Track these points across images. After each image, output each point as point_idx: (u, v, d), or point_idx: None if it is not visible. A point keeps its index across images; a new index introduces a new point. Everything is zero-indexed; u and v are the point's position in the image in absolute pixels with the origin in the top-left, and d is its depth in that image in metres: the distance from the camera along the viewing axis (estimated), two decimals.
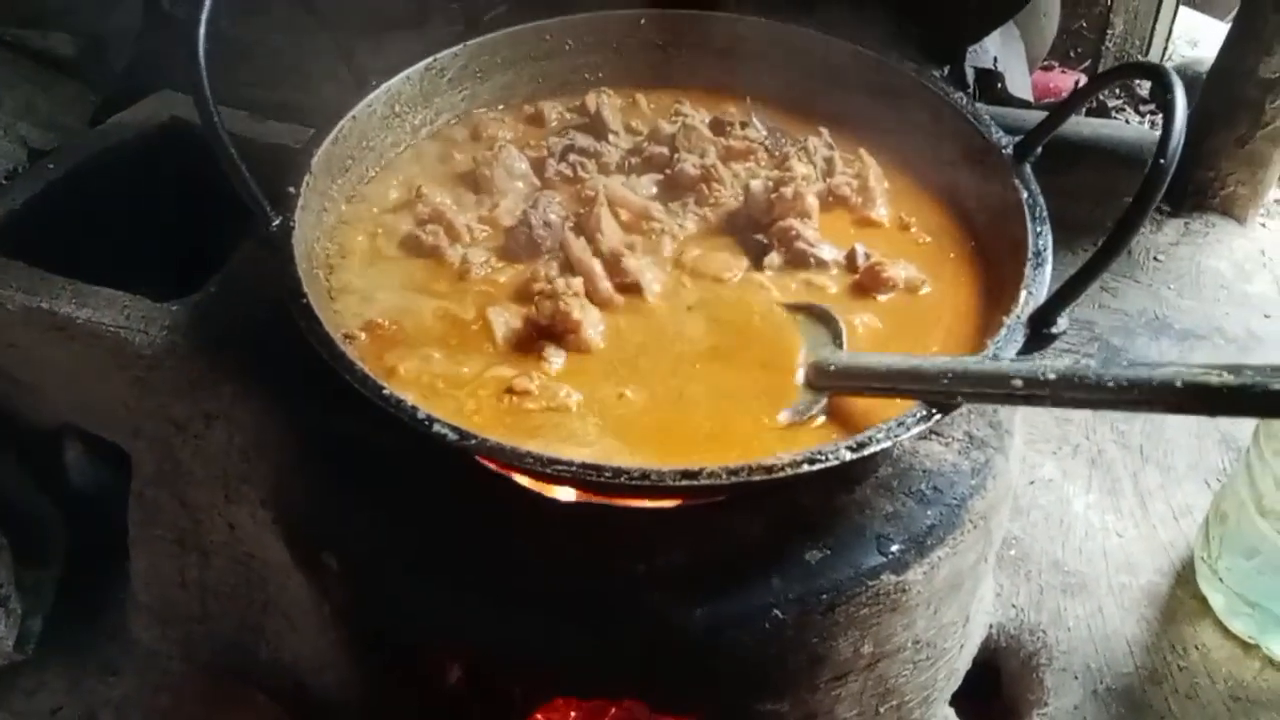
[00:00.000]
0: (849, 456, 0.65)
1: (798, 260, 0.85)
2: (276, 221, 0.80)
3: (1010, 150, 0.87)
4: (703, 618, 0.72)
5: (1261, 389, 0.53)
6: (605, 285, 0.81)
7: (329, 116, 0.91)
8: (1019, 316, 0.74)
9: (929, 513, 0.78)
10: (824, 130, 0.97)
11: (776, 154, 0.95)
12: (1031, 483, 1.13)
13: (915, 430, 0.66)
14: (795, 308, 0.82)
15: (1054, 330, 0.73)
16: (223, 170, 0.78)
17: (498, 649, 0.80)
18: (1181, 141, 0.68)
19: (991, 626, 1.02)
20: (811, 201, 0.87)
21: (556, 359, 0.77)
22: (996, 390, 0.65)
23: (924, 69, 0.96)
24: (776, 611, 0.72)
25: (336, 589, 0.85)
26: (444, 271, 0.85)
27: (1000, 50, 1.86)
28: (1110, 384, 0.58)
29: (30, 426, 1.04)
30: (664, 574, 0.74)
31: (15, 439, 1.04)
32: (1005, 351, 0.72)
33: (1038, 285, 0.76)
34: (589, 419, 0.73)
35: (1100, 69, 2.26)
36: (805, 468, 0.65)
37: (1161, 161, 0.68)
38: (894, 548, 0.76)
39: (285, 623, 0.96)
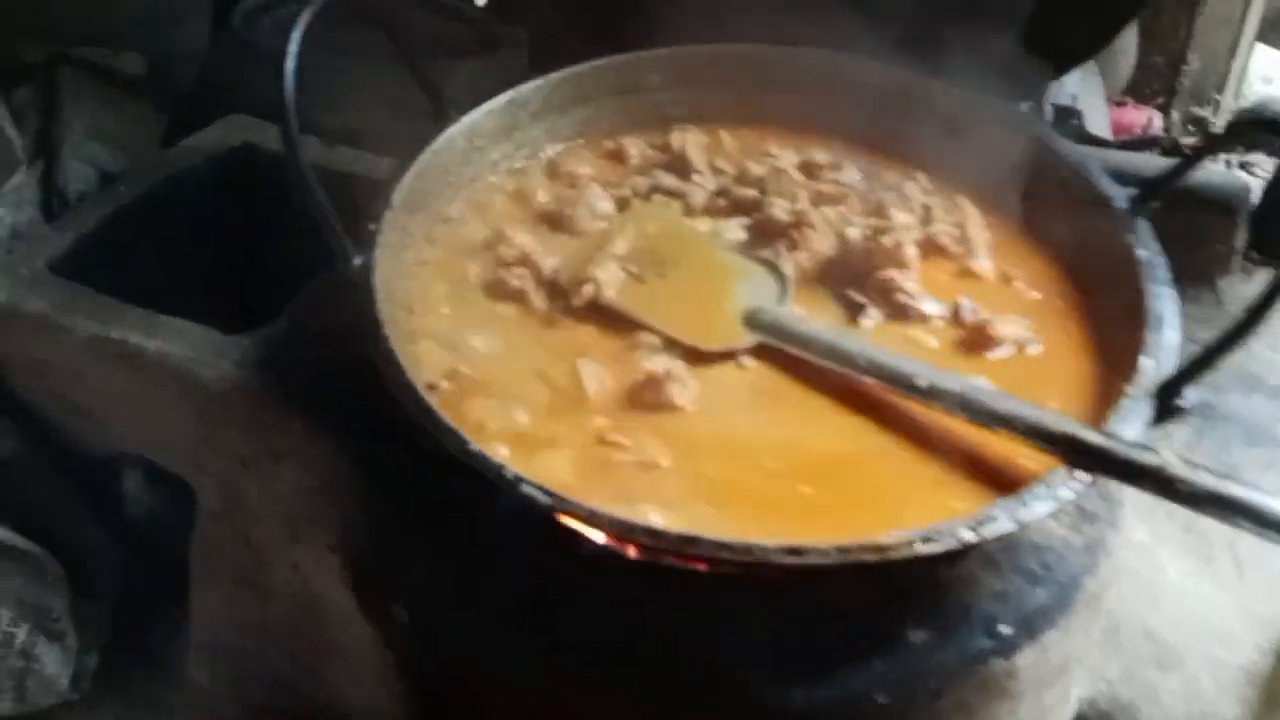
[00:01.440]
0: (969, 538, 0.61)
1: (898, 314, 0.81)
2: (357, 259, 0.77)
3: (1125, 204, 0.82)
4: (800, 701, 0.67)
5: None
6: None
7: (408, 149, 0.88)
8: (1145, 387, 0.69)
9: (1039, 592, 0.73)
10: (920, 175, 0.93)
11: (870, 199, 0.91)
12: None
13: (1043, 511, 0.62)
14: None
15: (1183, 404, 0.68)
16: (304, 205, 0.76)
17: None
18: None
19: (1082, 701, 0.96)
20: (912, 252, 0.83)
21: (649, 416, 0.73)
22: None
23: (1021, 109, 0.92)
24: (878, 697, 0.67)
25: (404, 642, 0.81)
26: (530, 317, 0.81)
27: (1079, 87, 1.81)
28: None
29: (89, 455, 1.02)
30: (757, 649, 0.69)
31: (74, 467, 1.01)
32: (1131, 426, 0.67)
33: (1163, 353, 0.71)
34: (680, 479, 0.69)
35: (1174, 105, 2.21)
36: (920, 547, 0.60)
37: None
38: (1003, 630, 0.71)
39: (343, 669, 0.92)
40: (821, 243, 0.87)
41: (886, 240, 0.82)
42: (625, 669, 0.71)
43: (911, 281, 0.82)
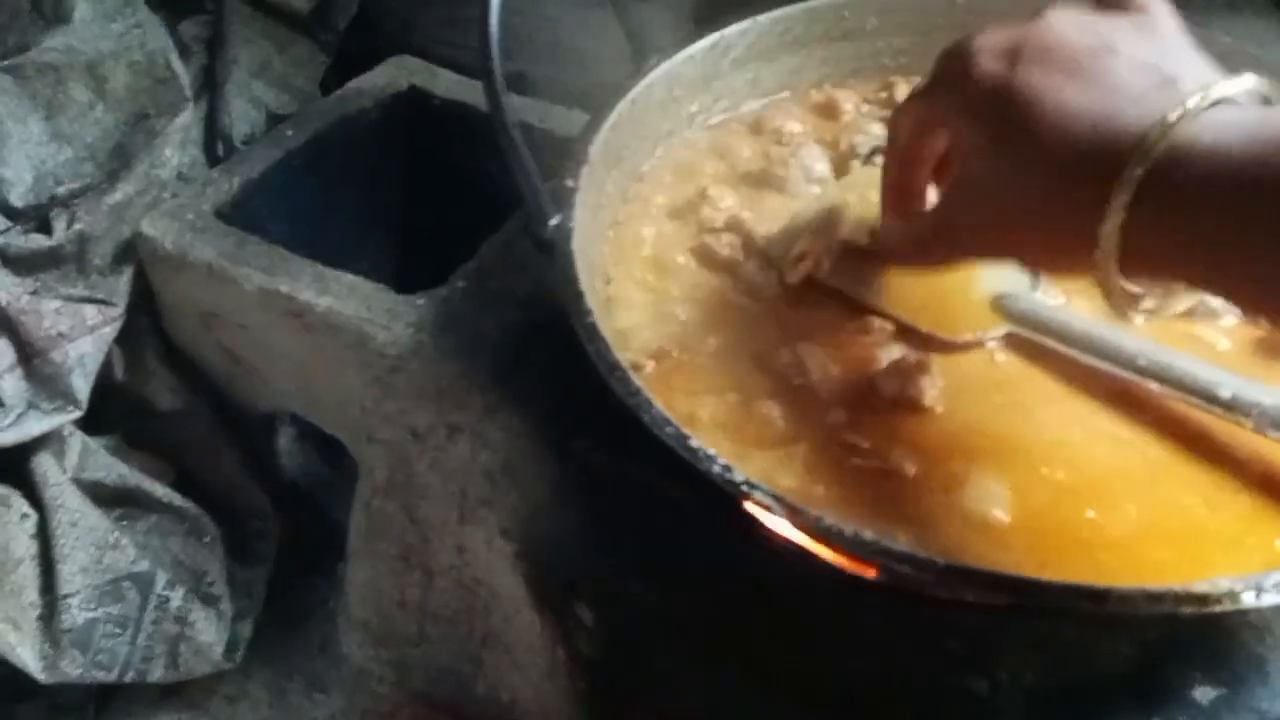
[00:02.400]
0: None
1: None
2: (555, 220, 0.68)
3: None
4: None
5: None
6: None
7: (604, 99, 0.79)
8: None
9: None
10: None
11: None
12: None
13: None
14: None
15: None
16: (505, 161, 0.68)
17: None
18: None
19: None
20: None
21: (887, 415, 0.63)
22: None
23: None
24: None
25: (583, 641, 0.74)
26: (742, 290, 0.72)
27: None
28: None
29: (248, 412, 0.97)
30: (1012, 696, 0.60)
31: (233, 423, 0.97)
32: None
33: None
34: (930, 493, 0.59)
35: None
36: (1248, 598, 0.50)
37: None
38: None
39: (507, 659, 0.86)
40: None
41: None
42: (845, 707, 0.62)
43: None
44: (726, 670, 0.67)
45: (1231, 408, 0.59)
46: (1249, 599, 0.49)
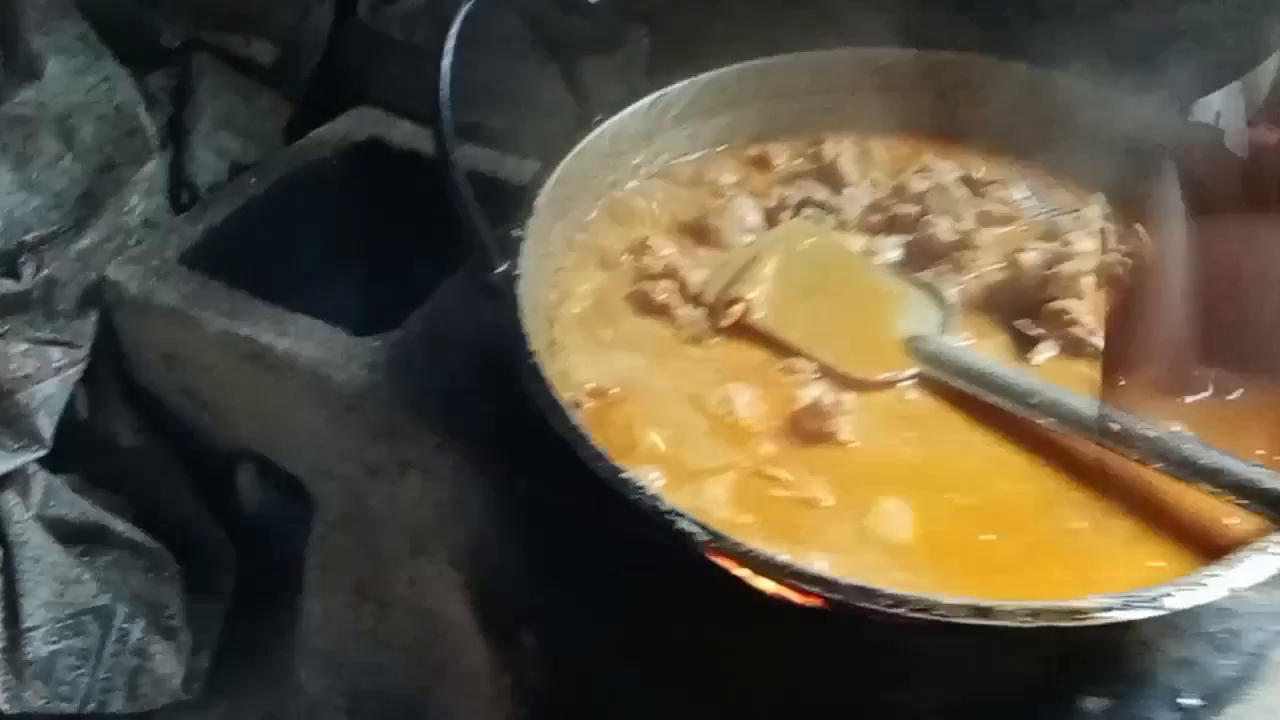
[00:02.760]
0: (1177, 606, 0.55)
1: (1073, 349, 0.75)
2: (502, 267, 0.73)
3: None
4: None
5: None
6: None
7: (551, 151, 0.85)
8: None
9: (1226, 662, 0.67)
10: (1102, 196, 0.86)
11: (1042, 222, 0.85)
12: None
13: (1262, 576, 0.56)
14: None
15: None
16: (451, 209, 0.73)
17: None
18: None
19: None
20: (1089, 281, 0.77)
21: (809, 449, 0.68)
22: None
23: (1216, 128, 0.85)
24: None
25: (527, 667, 0.78)
26: (677, 334, 0.77)
27: (1225, 105, 1.72)
28: None
29: (208, 451, 1.01)
30: (916, 707, 0.65)
31: (193, 462, 1.00)
32: None
33: None
34: (845, 520, 0.65)
35: None
36: (1117, 614, 0.55)
37: None
38: (1189, 702, 0.65)
39: (457, 687, 0.90)
40: (987, 266, 0.81)
41: (1066, 268, 0.76)
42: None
43: (1088, 315, 0.76)
44: (663, 690, 0.71)
45: (1118, 440, 0.65)
46: (1118, 614, 0.55)
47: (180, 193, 1.08)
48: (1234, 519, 0.62)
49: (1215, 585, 0.56)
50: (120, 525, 0.94)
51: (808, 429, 0.69)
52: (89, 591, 0.89)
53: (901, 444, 0.69)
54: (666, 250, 0.83)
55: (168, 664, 0.92)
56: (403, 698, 0.93)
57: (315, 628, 0.93)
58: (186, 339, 0.92)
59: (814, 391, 0.72)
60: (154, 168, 1.02)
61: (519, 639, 0.76)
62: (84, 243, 0.95)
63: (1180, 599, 0.55)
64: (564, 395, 0.68)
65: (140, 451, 0.97)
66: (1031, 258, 0.78)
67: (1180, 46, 1.20)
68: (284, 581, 0.97)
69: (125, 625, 0.90)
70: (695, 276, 0.80)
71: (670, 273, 0.80)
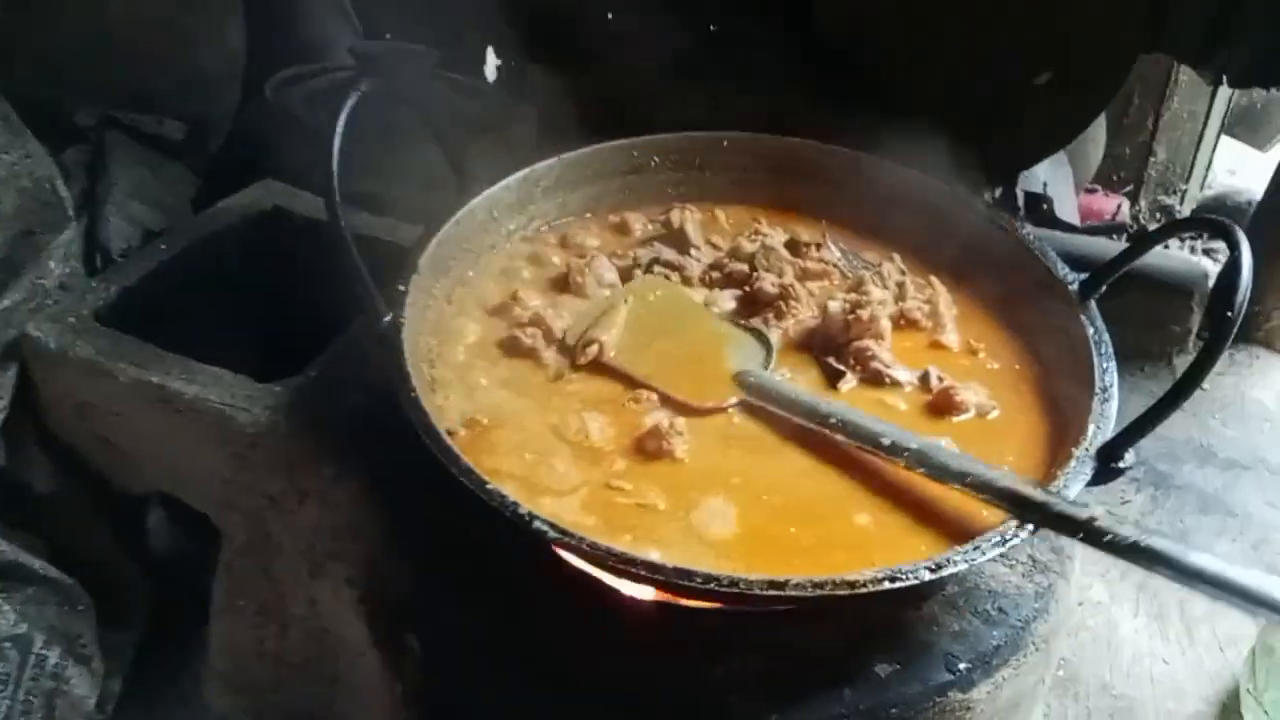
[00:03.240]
0: (927, 577, 0.69)
1: (873, 379, 0.90)
2: (387, 317, 0.85)
3: (1076, 287, 0.92)
4: None
5: None
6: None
7: (432, 218, 0.97)
8: (1088, 449, 0.78)
9: (994, 633, 0.81)
10: (896, 255, 1.02)
11: (850, 276, 1.01)
12: (1080, 604, 1.16)
13: (991, 555, 0.70)
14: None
15: (1121, 465, 0.77)
16: (343, 268, 0.85)
17: None
18: (1248, 296, 0.73)
19: None
20: (885, 324, 0.92)
21: (649, 464, 0.81)
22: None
23: (987, 200, 1.02)
24: None
25: (414, 670, 0.88)
26: (541, 373, 0.89)
27: (1050, 175, 1.93)
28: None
29: (120, 492, 1.09)
30: (741, 678, 0.77)
31: (105, 504, 1.08)
32: (1074, 483, 0.75)
33: (1104, 420, 0.80)
34: (676, 520, 0.77)
35: (1142, 194, 2.34)
36: (886, 585, 0.68)
37: (1229, 314, 0.73)
38: (961, 666, 0.79)
39: (353, 699, 0.99)
40: (805, 313, 0.96)
41: (864, 313, 0.91)
42: (616, 697, 0.78)
43: (886, 351, 0.91)
44: (533, 686, 0.82)
45: (891, 451, 0.79)
46: (886, 585, 0.68)
47: (94, 257, 1.17)
48: (984, 512, 0.76)
49: (959, 560, 0.70)
50: (36, 564, 1.02)
51: (649, 448, 0.82)
52: (8, 622, 0.97)
53: (727, 459, 0.83)
54: (534, 302, 0.96)
55: (82, 687, 0.99)
56: (303, 713, 1.02)
57: (220, 649, 1.02)
58: (101, 388, 1.01)
59: (656, 417, 0.85)
60: (70, 235, 1.12)
61: (406, 645, 0.86)
62: (4, 303, 1.04)
63: (933, 572, 0.69)
64: (441, 425, 0.80)
65: (55, 496, 1.06)
66: (835, 305, 0.93)
67: (1004, 124, 1.40)
68: (193, 611, 1.06)
69: (43, 651, 0.98)
70: (559, 324, 0.93)
71: (536, 321, 0.93)
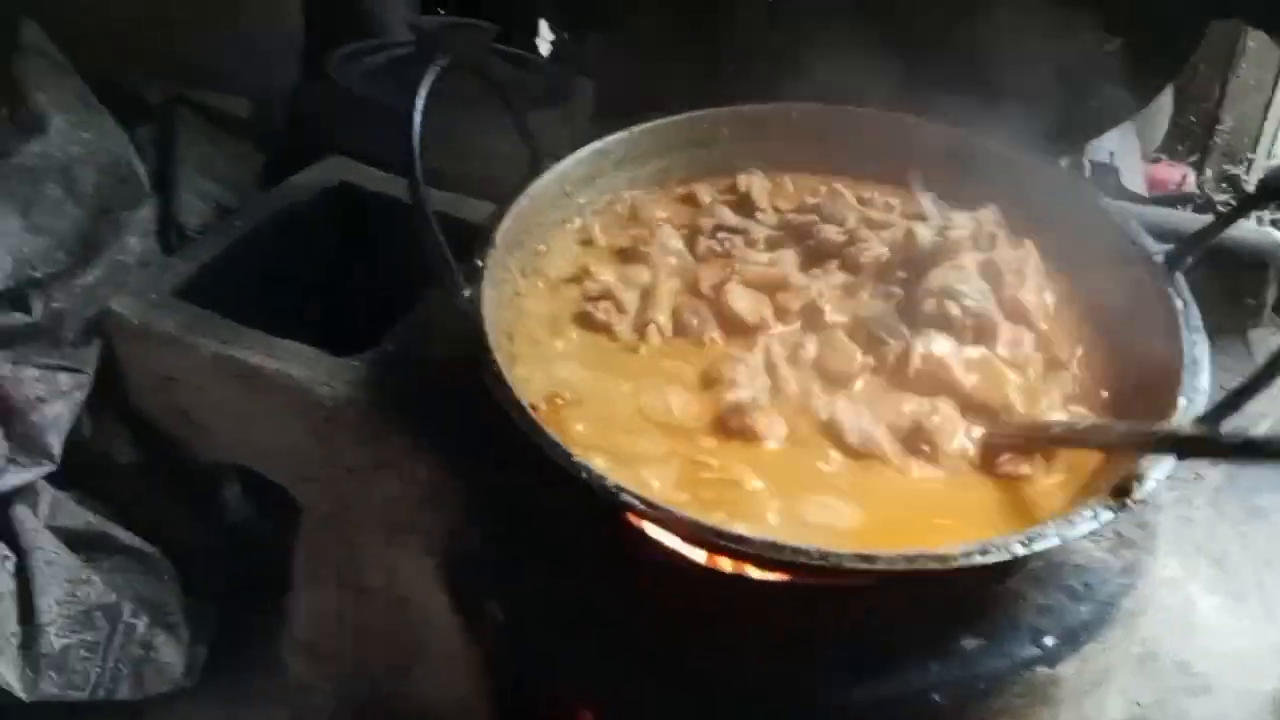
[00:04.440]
0: (1020, 551, 0.68)
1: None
2: (467, 292, 0.86)
3: (1162, 258, 0.90)
4: (860, 696, 0.75)
5: None
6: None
7: (507, 193, 0.97)
8: (1178, 423, 0.76)
9: (1081, 608, 0.81)
10: (994, 206, 1.00)
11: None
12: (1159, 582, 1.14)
13: (1084, 530, 0.69)
14: None
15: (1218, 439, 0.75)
16: (425, 246, 0.85)
17: (639, 717, 0.83)
18: None
19: None
20: (970, 259, 0.91)
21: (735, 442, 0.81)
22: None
23: (1078, 173, 1.00)
24: (935, 696, 0.75)
25: (492, 639, 0.89)
26: (617, 345, 0.90)
27: (1117, 144, 1.90)
28: None
29: (199, 466, 1.11)
30: (821, 651, 0.77)
31: (184, 476, 1.10)
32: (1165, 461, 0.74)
33: (1196, 393, 0.79)
34: (765, 498, 0.77)
35: (1207, 163, 2.29)
36: (977, 559, 0.68)
37: None
38: (1048, 641, 0.78)
39: (433, 667, 1.00)
40: (874, 251, 0.96)
41: (953, 234, 0.91)
42: (691, 672, 0.78)
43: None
44: (614, 658, 0.83)
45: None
46: (978, 559, 0.68)
47: (169, 234, 1.19)
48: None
49: (1052, 535, 0.69)
50: (122, 534, 1.04)
51: (733, 427, 0.82)
52: (97, 591, 0.99)
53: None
54: (605, 275, 0.96)
55: (169, 655, 1.01)
56: (382, 679, 1.03)
57: (302, 619, 1.04)
58: (182, 363, 1.02)
59: (741, 394, 0.84)
60: (147, 211, 1.14)
61: (487, 613, 0.87)
62: (87, 279, 1.06)
63: (1025, 546, 0.68)
64: (524, 399, 0.80)
65: (137, 468, 1.08)
66: (924, 229, 0.93)
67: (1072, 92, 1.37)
68: (270, 582, 1.08)
69: (131, 620, 1.00)
70: (629, 296, 0.93)
71: (607, 294, 0.93)
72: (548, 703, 0.91)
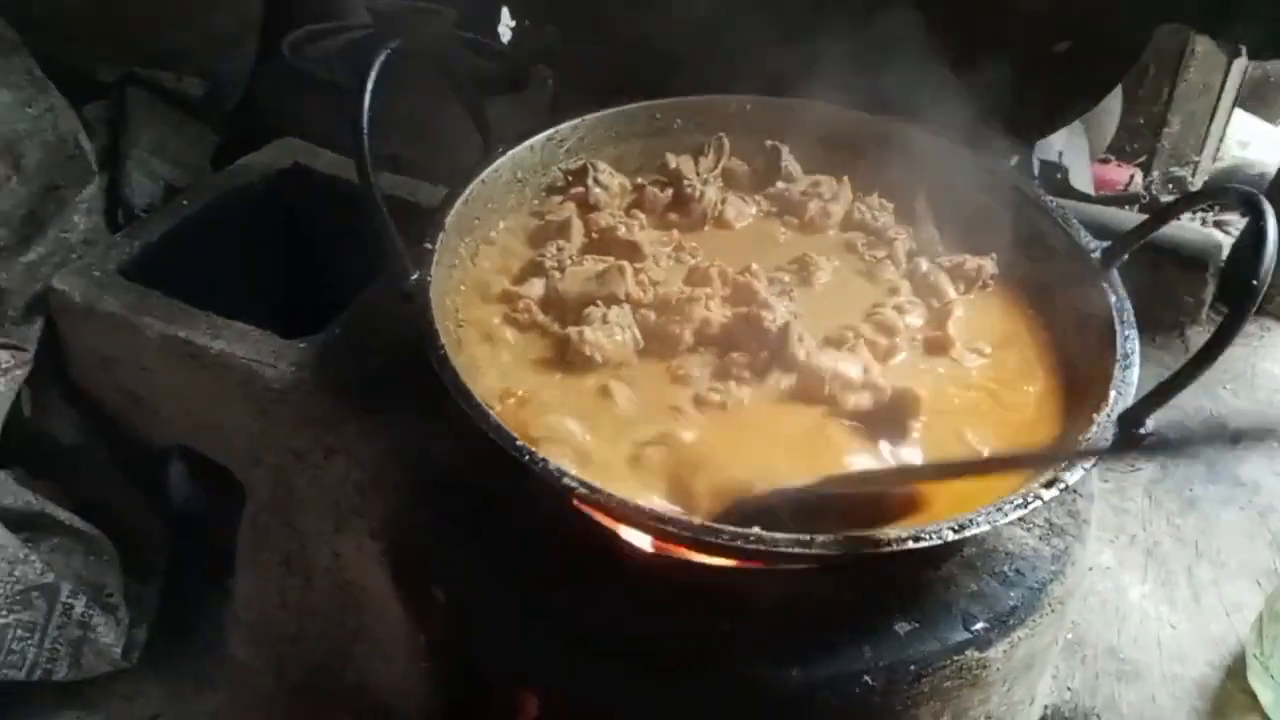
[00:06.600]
0: (951, 537, 0.70)
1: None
2: (415, 275, 0.86)
3: (1098, 254, 0.92)
4: (796, 679, 0.76)
5: None
6: None
7: (458, 178, 0.97)
8: (1109, 415, 0.78)
9: (1011, 594, 0.83)
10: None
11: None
12: (1090, 569, 1.17)
13: (1013, 516, 0.71)
14: None
15: (1143, 431, 0.78)
16: (373, 228, 0.85)
17: (580, 696, 0.84)
18: (1273, 265, 0.74)
19: (1047, 708, 1.05)
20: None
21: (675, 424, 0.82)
22: None
23: (1017, 172, 1.02)
24: (867, 678, 0.76)
25: (436, 622, 0.90)
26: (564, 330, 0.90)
27: (1065, 144, 1.93)
28: None
29: (142, 446, 1.10)
30: (757, 634, 0.78)
31: (128, 457, 1.09)
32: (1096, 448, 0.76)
33: (1126, 386, 0.81)
34: (704, 480, 0.78)
35: (1154, 165, 2.33)
36: (910, 544, 0.69)
37: (1254, 282, 0.74)
38: (978, 625, 0.80)
39: (375, 650, 1.01)
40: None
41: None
42: (628, 653, 0.80)
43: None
44: (553, 638, 0.84)
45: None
46: (912, 544, 0.69)
47: (117, 213, 1.18)
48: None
49: (983, 521, 0.71)
50: (62, 514, 1.03)
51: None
52: (35, 571, 0.98)
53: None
54: (534, 290, 0.95)
55: (109, 635, 1.01)
56: (324, 663, 1.03)
57: (245, 601, 1.03)
58: (127, 343, 1.01)
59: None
60: (93, 189, 1.13)
61: (429, 594, 0.87)
62: (30, 256, 1.05)
63: (956, 532, 0.70)
64: (471, 383, 0.80)
65: (79, 447, 1.07)
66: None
67: (1022, 91, 1.39)
68: (213, 563, 1.08)
69: (69, 600, 0.99)
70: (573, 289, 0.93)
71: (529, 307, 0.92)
72: (490, 684, 0.91)
